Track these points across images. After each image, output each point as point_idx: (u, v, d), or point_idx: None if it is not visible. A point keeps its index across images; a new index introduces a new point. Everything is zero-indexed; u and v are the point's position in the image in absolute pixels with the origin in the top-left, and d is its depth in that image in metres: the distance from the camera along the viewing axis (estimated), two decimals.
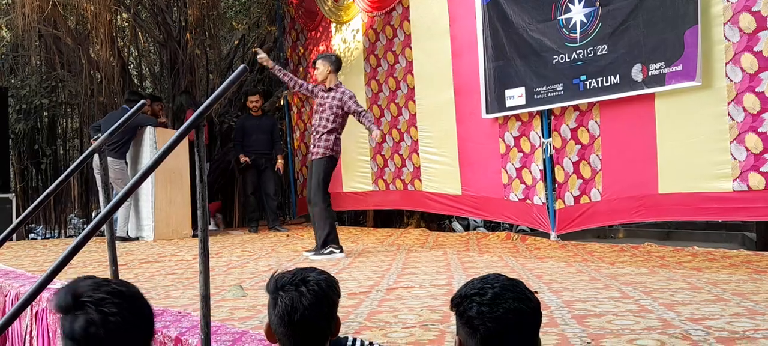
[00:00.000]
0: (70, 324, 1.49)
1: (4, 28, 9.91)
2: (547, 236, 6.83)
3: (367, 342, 2.05)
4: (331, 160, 6.15)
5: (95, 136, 8.04)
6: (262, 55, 6.63)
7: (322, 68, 6.22)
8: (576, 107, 6.51)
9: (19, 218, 3.46)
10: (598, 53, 6.16)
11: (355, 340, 2.05)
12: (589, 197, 6.46)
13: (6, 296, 4.68)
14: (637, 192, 6.09)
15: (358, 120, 6.14)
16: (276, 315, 1.84)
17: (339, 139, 6.18)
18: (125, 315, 1.52)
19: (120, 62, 9.91)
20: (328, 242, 5.99)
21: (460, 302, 1.59)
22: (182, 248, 7.15)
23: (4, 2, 9.17)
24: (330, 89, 6.19)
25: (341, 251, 6.02)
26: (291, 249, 6.83)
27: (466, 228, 9.33)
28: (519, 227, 8.19)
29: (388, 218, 9.80)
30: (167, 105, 9.97)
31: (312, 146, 6.22)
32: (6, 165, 9.72)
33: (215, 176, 10.14)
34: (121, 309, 1.52)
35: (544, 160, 6.77)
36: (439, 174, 7.96)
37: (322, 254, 5.94)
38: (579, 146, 6.53)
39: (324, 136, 6.10)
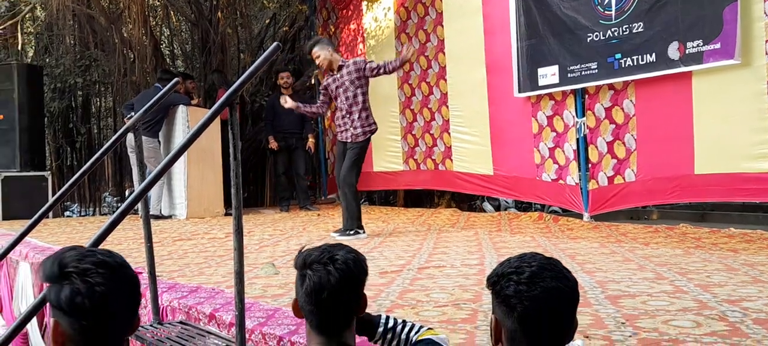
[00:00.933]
0: (56, 294, 1.51)
1: (38, 7, 10.01)
2: (580, 216, 6.76)
3: (399, 320, 2.04)
4: (368, 141, 6.11)
5: (129, 116, 8.13)
6: (289, 103, 6.54)
7: (323, 54, 6.09)
8: (611, 86, 6.41)
9: (55, 196, 3.50)
10: (634, 31, 6.06)
11: (387, 318, 2.04)
12: (624, 178, 6.38)
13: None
14: (673, 172, 6.00)
15: (388, 72, 6.06)
16: (304, 292, 1.83)
17: (371, 115, 6.12)
18: (110, 285, 1.54)
19: (152, 41, 9.98)
20: (356, 224, 6.00)
21: (497, 281, 1.58)
22: (214, 226, 7.21)
23: None
24: (340, 68, 6.09)
25: (364, 232, 6.03)
26: (322, 228, 6.85)
27: (497, 209, 9.28)
28: (551, 208, 8.12)
29: (419, 198, 9.79)
30: (199, 84, 10.02)
31: (342, 129, 6.12)
32: (42, 144, 9.88)
33: (246, 154, 10.19)
34: (106, 279, 1.54)
35: (577, 139, 6.69)
36: (471, 154, 7.92)
37: (349, 234, 5.92)
38: (613, 126, 6.44)
39: (357, 116, 6.02)
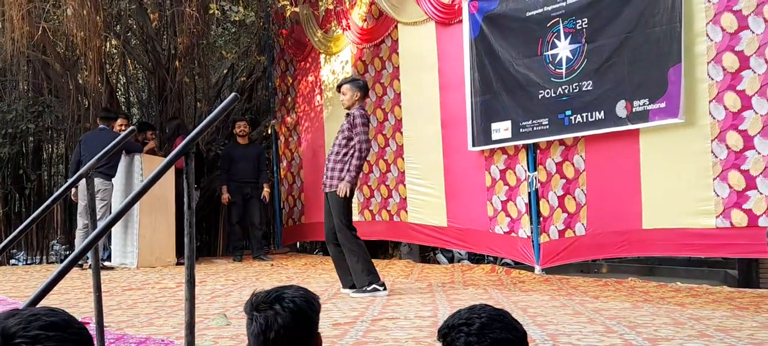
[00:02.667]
0: None
1: None
2: (531, 269, 6.84)
3: None
4: (352, 191, 5.62)
5: (75, 170, 8.02)
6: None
7: (348, 94, 5.69)
8: (562, 142, 6.57)
9: (2, 244, 3.43)
10: (584, 89, 6.24)
11: None
12: (574, 231, 6.50)
13: None
14: (621, 227, 6.14)
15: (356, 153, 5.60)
16: (251, 335, 1.80)
17: (356, 168, 5.60)
18: None
19: (108, 88, 9.90)
20: (370, 279, 5.46)
21: (448, 333, 1.60)
22: (166, 275, 7.11)
23: None
24: (347, 113, 5.73)
25: (384, 289, 5.47)
26: (275, 278, 6.80)
27: (451, 260, 9.32)
28: (503, 260, 8.20)
29: (373, 249, 9.78)
30: (158, 133, 9.93)
31: (325, 177, 5.72)
32: None
33: (201, 203, 10.10)
34: (58, 341, 1.49)
35: (529, 193, 6.80)
36: (425, 205, 7.98)
37: (366, 291, 5.41)
38: (564, 180, 6.58)
39: (339, 164, 5.62)
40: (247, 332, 1.85)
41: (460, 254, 9.41)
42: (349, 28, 8.92)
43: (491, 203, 7.21)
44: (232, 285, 6.23)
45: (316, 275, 7.11)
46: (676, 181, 5.75)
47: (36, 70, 10.35)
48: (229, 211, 9.53)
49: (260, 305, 1.82)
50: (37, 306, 1.82)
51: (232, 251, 9.49)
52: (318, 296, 1.91)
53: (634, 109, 5.87)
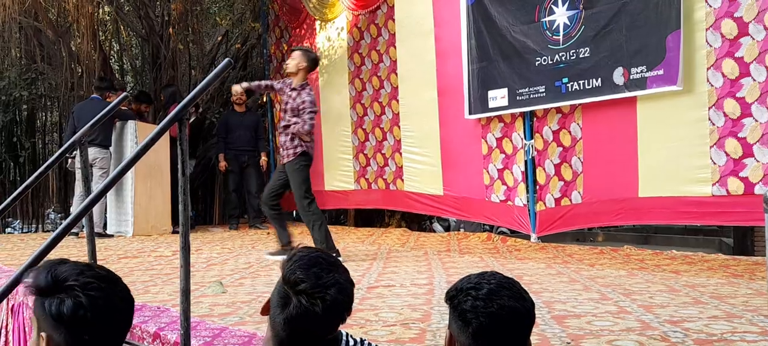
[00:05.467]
0: (56, 306, 1.52)
1: None
2: (527, 237, 6.85)
3: (359, 339, 1.99)
4: (305, 157, 5.62)
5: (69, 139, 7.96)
6: (236, 87, 6.35)
7: (296, 60, 5.67)
8: (558, 109, 6.54)
9: None
10: (581, 56, 6.19)
11: (348, 336, 1.98)
12: (570, 200, 6.49)
13: None
14: (618, 195, 6.13)
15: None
16: (282, 315, 1.68)
17: (308, 138, 5.62)
18: (110, 299, 1.56)
19: (101, 56, 9.81)
20: (329, 246, 5.57)
21: (455, 295, 1.60)
22: (161, 243, 7.10)
23: None
24: (294, 89, 5.66)
25: (339, 256, 5.50)
26: (271, 247, 6.79)
27: (447, 229, 9.34)
28: (499, 229, 8.21)
29: (369, 218, 9.79)
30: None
31: (282, 149, 5.75)
32: None
33: (196, 171, 10.08)
34: (107, 293, 1.56)
35: (525, 162, 6.79)
36: (421, 174, 7.97)
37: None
38: (561, 149, 6.55)
39: (291, 137, 5.60)
40: (276, 299, 1.71)
41: (456, 222, 9.43)
42: None
43: (487, 172, 7.19)
44: (228, 253, 6.23)
45: (311, 244, 7.09)
46: (674, 149, 5.73)
47: (28, 37, 10.24)
48: (226, 179, 9.51)
49: (302, 295, 1.66)
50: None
51: (229, 219, 9.48)
52: (354, 286, 1.79)
53: (631, 77, 5.83)
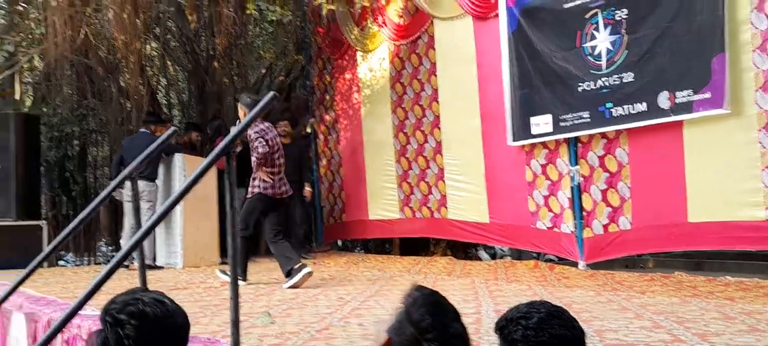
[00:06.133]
0: (102, 340, 1.55)
1: (36, 57, 10.08)
2: (575, 264, 6.76)
3: None
4: (260, 198, 6.27)
5: (119, 172, 8.17)
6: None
7: (239, 112, 6.39)
8: (603, 135, 6.47)
9: (51, 245, 3.51)
10: (625, 81, 6.14)
11: None
12: (618, 226, 6.40)
13: (37, 322, 4.73)
14: (667, 220, 6.02)
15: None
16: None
17: (265, 178, 6.23)
18: (153, 331, 1.56)
19: (149, 91, 10.04)
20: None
21: (505, 326, 1.60)
22: (210, 275, 7.18)
23: (37, 32, 9.35)
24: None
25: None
26: (317, 276, 6.82)
27: (493, 256, 9.27)
28: (546, 256, 8.11)
29: (414, 246, 9.77)
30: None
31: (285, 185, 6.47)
32: (37, 193, 9.87)
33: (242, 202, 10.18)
34: (150, 325, 1.56)
35: (571, 188, 6.72)
36: (466, 202, 7.94)
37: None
38: (607, 174, 6.48)
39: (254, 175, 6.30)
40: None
41: (502, 250, 9.35)
42: (385, 25, 8.92)
43: (532, 199, 7.14)
44: (275, 283, 6.27)
45: (358, 273, 7.13)
46: (723, 172, 5.62)
47: (79, 74, 10.53)
48: None
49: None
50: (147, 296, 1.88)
51: None
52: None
53: (677, 101, 5.75)
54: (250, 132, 6.16)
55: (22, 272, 3.61)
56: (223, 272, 6.27)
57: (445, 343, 1.63)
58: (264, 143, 6.17)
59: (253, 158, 6.22)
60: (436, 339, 1.63)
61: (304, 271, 5.89)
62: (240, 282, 5.72)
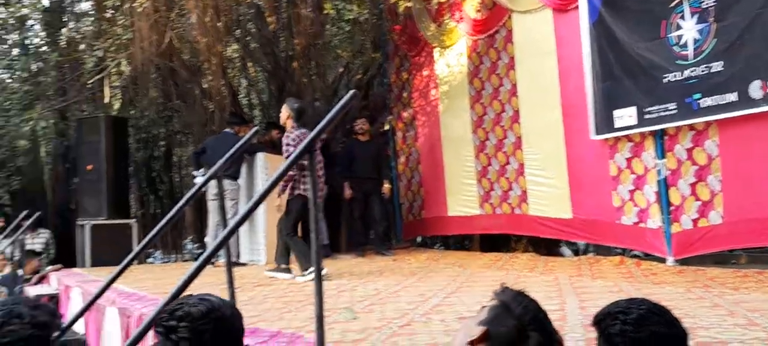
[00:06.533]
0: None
1: (124, 62, 10.46)
2: (662, 261, 6.56)
3: None
4: (297, 200, 6.54)
5: (198, 164, 8.49)
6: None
7: (283, 113, 6.84)
8: (691, 127, 6.25)
9: (143, 242, 3.63)
10: (713, 70, 5.91)
11: None
12: (708, 220, 6.17)
13: (129, 316, 4.90)
14: (761, 214, 5.77)
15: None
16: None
17: (300, 179, 6.51)
18: (194, 335, 1.60)
19: (230, 92, 10.28)
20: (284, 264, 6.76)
21: (603, 319, 1.57)
22: (292, 271, 7.28)
23: (124, 37, 9.69)
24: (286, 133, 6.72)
25: (290, 272, 6.68)
26: (398, 273, 6.85)
27: (576, 253, 9.08)
28: (632, 252, 7.90)
29: (495, 243, 9.68)
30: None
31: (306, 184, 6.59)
32: (127, 193, 10.24)
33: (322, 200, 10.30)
34: (190, 331, 1.59)
35: (658, 182, 6.52)
36: (548, 197, 7.81)
37: (278, 270, 6.77)
38: (696, 167, 6.26)
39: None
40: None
41: (585, 246, 9.16)
42: (462, 20, 8.86)
43: (617, 193, 6.97)
44: (356, 280, 6.32)
45: (439, 269, 7.11)
46: None
47: (164, 77, 10.88)
48: (352, 207, 9.67)
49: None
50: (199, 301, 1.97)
51: (355, 246, 9.63)
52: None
53: None
54: (288, 139, 6.61)
55: (115, 269, 3.74)
56: (271, 271, 6.78)
57: (546, 334, 1.66)
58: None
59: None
60: (537, 329, 1.67)
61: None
62: (298, 277, 6.22)
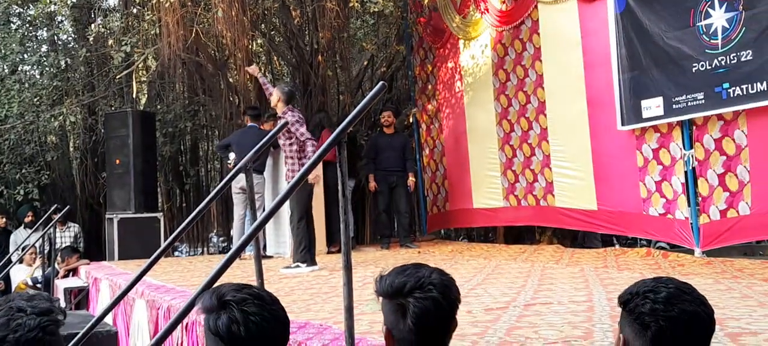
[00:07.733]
0: (214, 321, 1.63)
1: (151, 57, 10.57)
2: (690, 252, 6.50)
3: None
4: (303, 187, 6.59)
5: (225, 155, 8.59)
6: (252, 67, 8.04)
7: (274, 96, 6.88)
8: (720, 116, 6.19)
9: (172, 236, 3.67)
10: (743, 59, 5.84)
11: None
12: (737, 211, 6.11)
13: (158, 308, 4.97)
14: None
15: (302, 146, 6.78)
16: (409, 321, 1.85)
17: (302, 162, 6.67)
18: (264, 316, 1.65)
19: (256, 86, 10.33)
20: (299, 257, 6.69)
21: (630, 299, 1.57)
22: (318, 263, 7.32)
23: (151, 32, 9.78)
24: (279, 116, 6.84)
25: (308, 265, 6.62)
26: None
27: (603, 244, 9.03)
28: (658, 243, 7.84)
29: (519, 235, 9.67)
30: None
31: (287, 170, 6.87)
32: (154, 186, 10.35)
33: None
34: (261, 310, 1.65)
35: (685, 172, 6.46)
36: (573, 189, 7.77)
37: (290, 268, 6.65)
38: (724, 157, 6.19)
39: (289, 161, 6.83)
40: (391, 316, 1.90)
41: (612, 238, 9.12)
42: (488, 12, 8.82)
43: (644, 184, 6.92)
44: (382, 272, 6.33)
45: (464, 262, 7.10)
46: None
47: (190, 71, 10.96)
48: (376, 199, 9.70)
49: (414, 292, 1.84)
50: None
51: (380, 239, 9.66)
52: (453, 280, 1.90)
53: None
54: (290, 117, 6.59)
55: (144, 262, 3.79)
56: (287, 268, 6.73)
57: (425, 286, 1.88)
58: (304, 125, 6.78)
59: (291, 144, 6.76)
60: (416, 286, 1.89)
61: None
62: (306, 268, 6.41)
